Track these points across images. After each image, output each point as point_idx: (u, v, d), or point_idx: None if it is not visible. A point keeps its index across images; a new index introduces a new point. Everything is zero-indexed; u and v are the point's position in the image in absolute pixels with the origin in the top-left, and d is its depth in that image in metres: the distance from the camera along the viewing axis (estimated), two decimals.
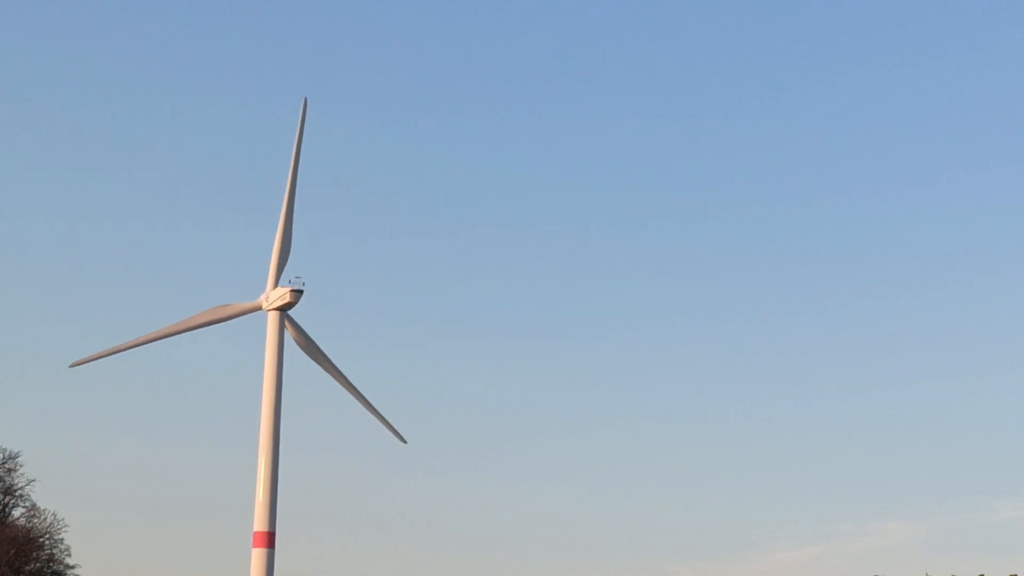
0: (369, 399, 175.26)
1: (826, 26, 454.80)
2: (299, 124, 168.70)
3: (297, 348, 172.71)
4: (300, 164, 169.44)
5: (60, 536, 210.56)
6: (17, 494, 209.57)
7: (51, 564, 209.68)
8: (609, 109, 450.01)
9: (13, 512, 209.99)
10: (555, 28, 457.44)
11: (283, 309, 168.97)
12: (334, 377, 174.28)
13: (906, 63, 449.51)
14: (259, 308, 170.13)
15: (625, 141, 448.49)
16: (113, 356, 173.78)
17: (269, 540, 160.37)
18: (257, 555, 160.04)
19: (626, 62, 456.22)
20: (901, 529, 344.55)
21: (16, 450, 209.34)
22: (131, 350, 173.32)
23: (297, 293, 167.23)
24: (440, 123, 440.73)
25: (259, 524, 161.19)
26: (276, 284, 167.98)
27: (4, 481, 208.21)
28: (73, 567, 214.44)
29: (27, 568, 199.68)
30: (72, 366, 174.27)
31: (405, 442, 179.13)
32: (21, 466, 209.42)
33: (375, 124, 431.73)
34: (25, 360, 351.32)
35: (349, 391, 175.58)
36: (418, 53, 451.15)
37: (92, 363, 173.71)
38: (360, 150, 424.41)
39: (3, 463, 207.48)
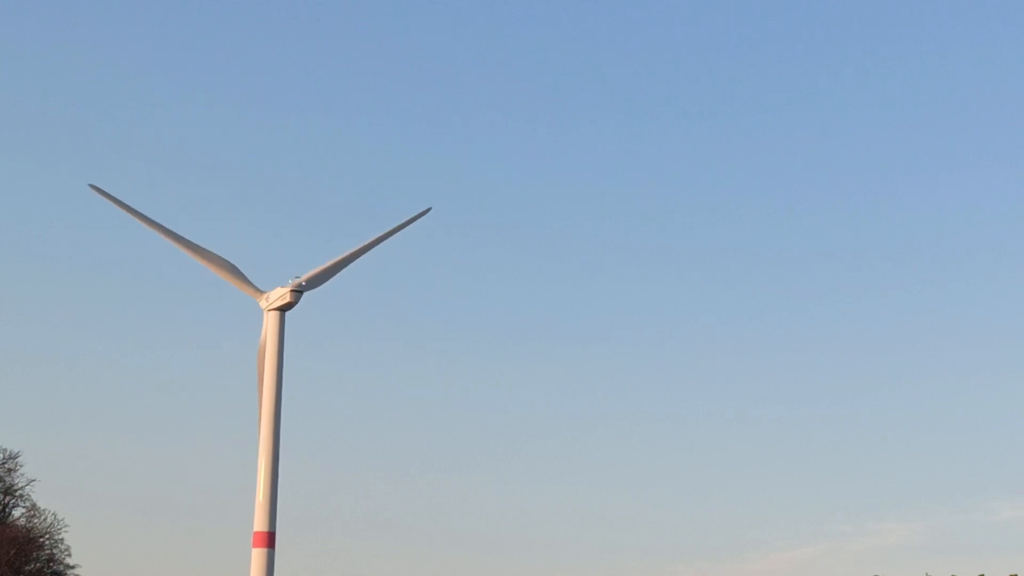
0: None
1: (826, 26, 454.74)
2: (410, 219, 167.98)
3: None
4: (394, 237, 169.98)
5: (60, 536, 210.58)
6: (17, 494, 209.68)
7: (51, 564, 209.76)
8: (608, 109, 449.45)
9: (13, 512, 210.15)
10: (554, 28, 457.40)
11: (282, 309, 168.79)
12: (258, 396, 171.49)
13: (906, 63, 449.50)
14: (255, 298, 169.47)
15: (624, 141, 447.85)
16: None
17: (269, 540, 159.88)
18: (257, 555, 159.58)
19: (624, 62, 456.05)
20: (901, 529, 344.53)
21: (16, 450, 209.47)
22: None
23: (297, 293, 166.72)
24: (439, 123, 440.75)
25: (259, 524, 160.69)
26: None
27: (4, 481, 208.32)
28: (73, 567, 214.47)
29: (27, 568, 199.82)
30: (91, 186, 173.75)
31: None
32: (21, 466, 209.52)
33: (375, 124, 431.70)
34: (25, 360, 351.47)
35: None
36: (417, 52, 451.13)
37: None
38: (359, 149, 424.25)
39: (3, 463, 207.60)
